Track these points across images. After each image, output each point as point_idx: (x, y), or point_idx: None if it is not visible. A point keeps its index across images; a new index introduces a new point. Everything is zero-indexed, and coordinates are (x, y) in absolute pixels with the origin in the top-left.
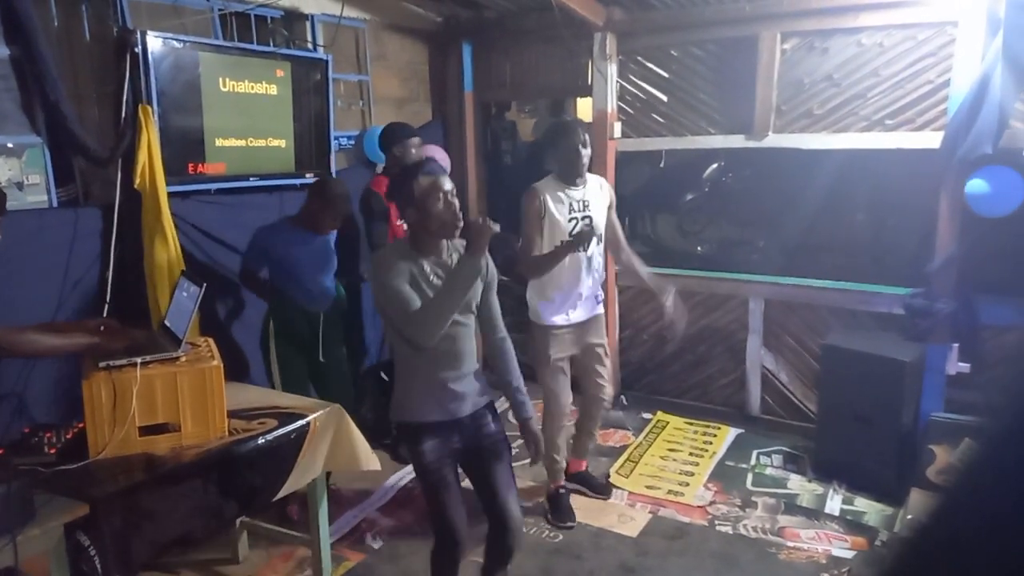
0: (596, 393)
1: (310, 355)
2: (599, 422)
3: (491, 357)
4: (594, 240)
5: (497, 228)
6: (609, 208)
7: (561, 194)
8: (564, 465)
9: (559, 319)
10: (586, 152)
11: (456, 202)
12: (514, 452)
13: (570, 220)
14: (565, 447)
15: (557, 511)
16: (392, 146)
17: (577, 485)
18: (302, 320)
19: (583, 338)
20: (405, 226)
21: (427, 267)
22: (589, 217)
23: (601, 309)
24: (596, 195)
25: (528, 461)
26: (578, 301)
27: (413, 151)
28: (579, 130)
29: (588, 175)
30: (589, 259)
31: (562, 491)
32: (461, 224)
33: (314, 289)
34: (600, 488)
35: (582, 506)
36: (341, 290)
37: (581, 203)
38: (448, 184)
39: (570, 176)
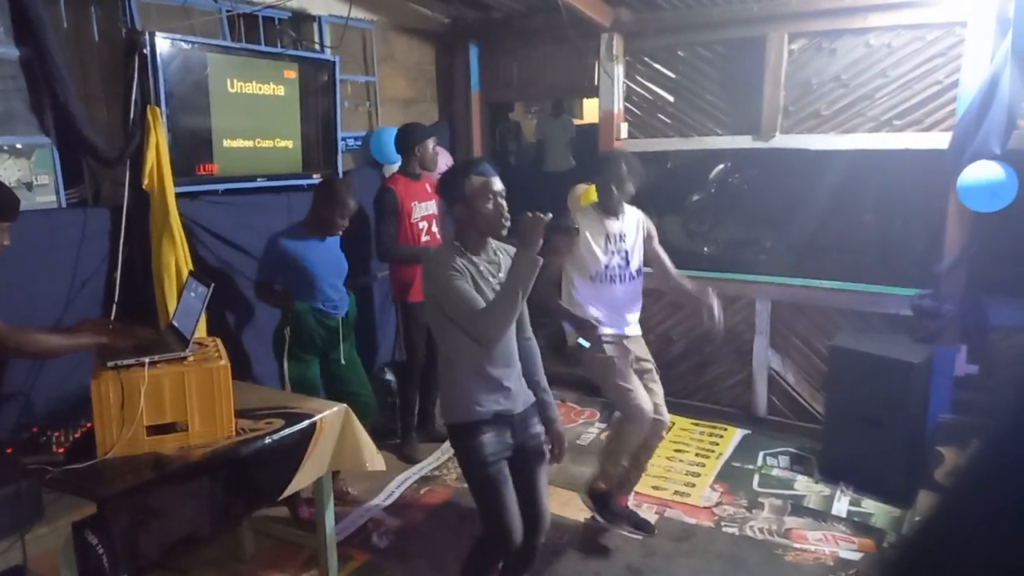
0: (655, 415)
1: (326, 362)
2: (652, 452)
3: (520, 356)
4: (631, 273)
5: (549, 217)
6: (648, 240)
7: (599, 225)
8: (622, 471)
9: (606, 330)
10: (628, 190)
11: (505, 203)
12: None
13: (607, 253)
14: (630, 457)
15: (607, 511)
16: (414, 146)
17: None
18: (320, 328)
19: (632, 352)
20: (419, 224)
21: (481, 266)
22: (626, 251)
23: (639, 329)
24: (634, 227)
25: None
26: (614, 320)
27: (431, 151)
28: (622, 163)
29: (628, 208)
30: (620, 293)
31: (611, 491)
32: (508, 225)
33: (334, 295)
34: (642, 524)
35: (584, 506)
36: (351, 293)
37: (619, 236)
38: (499, 185)
39: (613, 208)
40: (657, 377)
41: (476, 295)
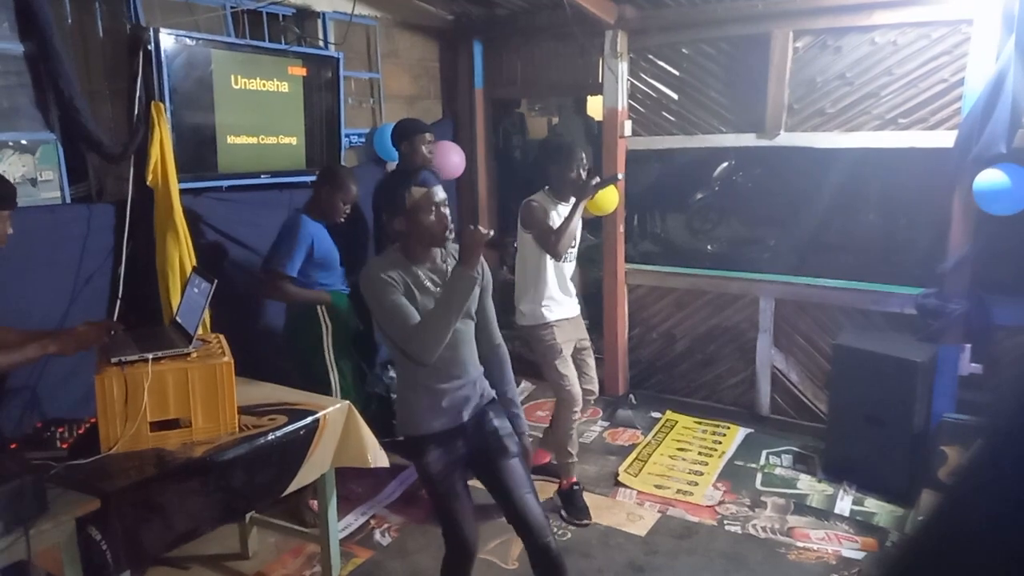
0: (585, 386)
1: (353, 335)
2: (579, 419)
3: (486, 365)
4: (574, 255)
5: (491, 234)
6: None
7: (554, 210)
8: (576, 461)
9: (557, 314)
10: (584, 175)
11: (447, 212)
12: None
13: None
14: (577, 442)
15: (572, 508)
16: (400, 142)
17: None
18: (344, 305)
19: (574, 333)
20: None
21: (421, 274)
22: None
23: (579, 310)
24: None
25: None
26: (567, 298)
27: (423, 147)
28: (582, 156)
29: None
30: (568, 271)
31: (576, 487)
32: (452, 235)
33: (339, 273)
34: (553, 472)
35: (590, 504)
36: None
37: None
38: (441, 195)
39: (565, 195)
40: (591, 357)
41: (410, 310)
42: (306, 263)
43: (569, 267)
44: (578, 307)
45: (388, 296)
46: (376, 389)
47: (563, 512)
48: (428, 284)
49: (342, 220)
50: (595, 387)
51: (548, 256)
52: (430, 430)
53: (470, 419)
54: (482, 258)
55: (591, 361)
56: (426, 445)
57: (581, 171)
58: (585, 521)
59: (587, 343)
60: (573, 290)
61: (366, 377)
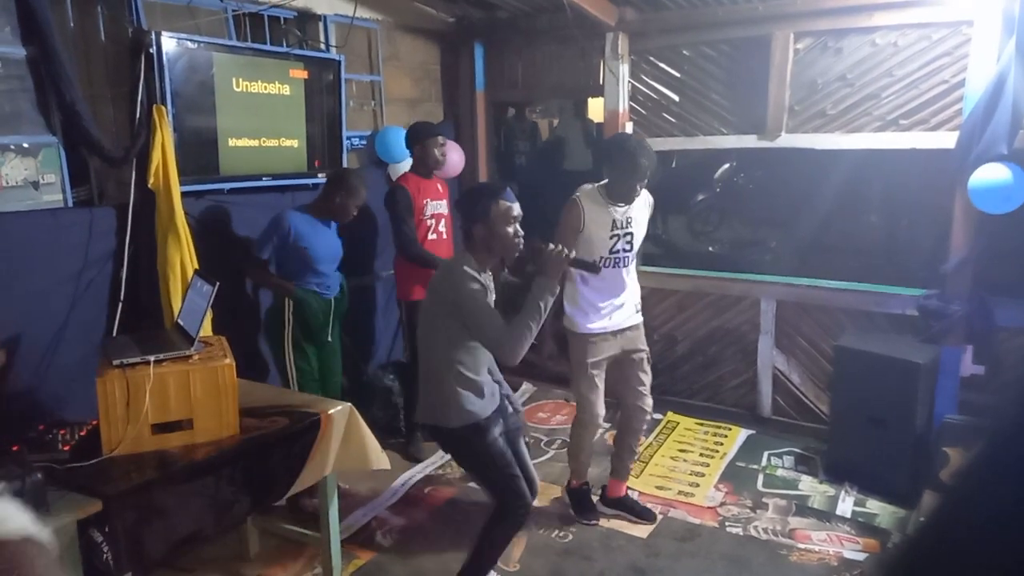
0: (635, 402)
1: (319, 343)
2: (640, 436)
3: None
4: (631, 256)
5: (573, 255)
6: (649, 220)
7: (605, 210)
8: (588, 464)
9: (594, 326)
10: (646, 180)
11: (521, 230)
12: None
13: (611, 237)
14: (592, 452)
15: (582, 507)
16: (414, 145)
17: (617, 511)
18: (319, 308)
19: (621, 345)
20: (428, 221)
21: (488, 282)
22: (631, 234)
23: (641, 317)
24: (641, 210)
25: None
26: (614, 309)
27: (436, 150)
28: (645, 157)
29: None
30: (623, 276)
31: (585, 487)
32: (521, 249)
33: (330, 277)
34: (644, 513)
35: (636, 522)
36: (343, 277)
37: (625, 219)
38: (519, 211)
39: (623, 196)
40: (648, 367)
41: (498, 315)
42: (286, 256)
43: (622, 273)
44: (634, 316)
45: (481, 299)
46: (377, 391)
47: (572, 510)
48: (491, 291)
49: (350, 220)
50: (646, 403)
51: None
52: (486, 414)
53: (500, 405)
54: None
55: (642, 373)
56: (487, 428)
57: (638, 186)
58: (595, 521)
59: (641, 355)
60: (630, 296)
61: (363, 378)
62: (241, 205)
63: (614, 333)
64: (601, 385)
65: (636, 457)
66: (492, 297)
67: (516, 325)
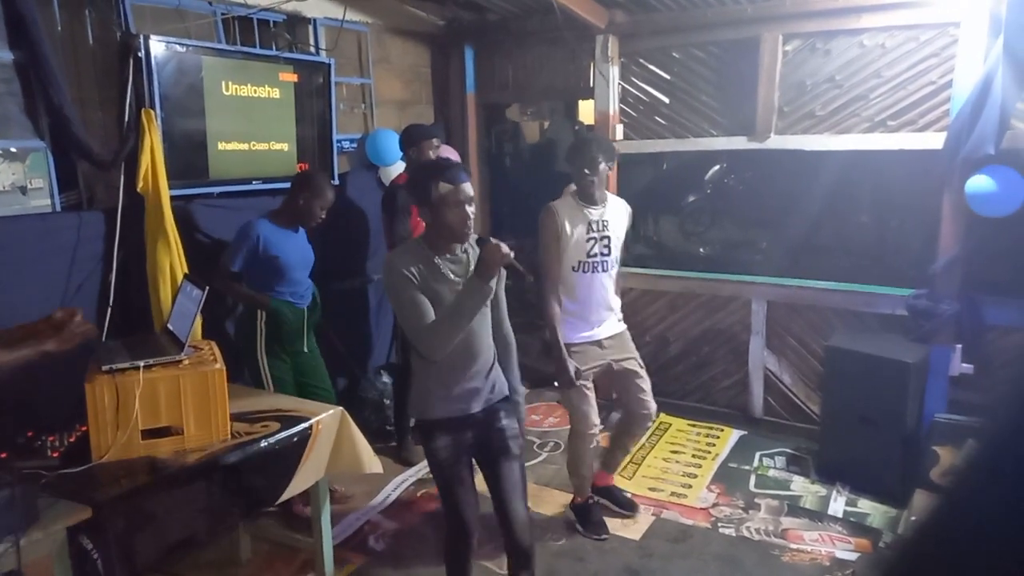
0: (638, 410)
1: (294, 352)
2: (638, 440)
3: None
4: (610, 262)
5: (511, 256)
6: (627, 232)
7: (580, 212)
8: (591, 481)
9: (578, 336)
10: (601, 170)
11: (471, 211)
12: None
13: (588, 240)
14: (593, 463)
15: (588, 523)
16: (408, 148)
17: (602, 499)
18: (293, 318)
19: (608, 355)
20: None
21: (441, 264)
22: (608, 238)
23: (624, 326)
24: (617, 216)
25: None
26: (597, 318)
27: (430, 152)
28: (593, 149)
29: (612, 197)
30: (604, 282)
31: (591, 501)
32: (470, 233)
33: (300, 285)
34: (626, 504)
35: (616, 513)
36: (314, 286)
37: (601, 223)
38: (468, 192)
39: (589, 197)
40: (644, 373)
41: (426, 308)
42: (257, 266)
43: (603, 279)
44: (618, 325)
45: (405, 291)
46: (370, 395)
47: (579, 527)
48: (448, 274)
49: (316, 224)
50: (648, 408)
51: (566, 266)
52: (440, 415)
53: (481, 411)
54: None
55: (640, 380)
56: (436, 431)
57: (588, 173)
58: (604, 536)
59: (632, 362)
60: (612, 305)
61: (359, 383)
62: (231, 209)
63: (599, 343)
64: (591, 394)
65: (627, 455)
66: (454, 280)
67: (437, 321)
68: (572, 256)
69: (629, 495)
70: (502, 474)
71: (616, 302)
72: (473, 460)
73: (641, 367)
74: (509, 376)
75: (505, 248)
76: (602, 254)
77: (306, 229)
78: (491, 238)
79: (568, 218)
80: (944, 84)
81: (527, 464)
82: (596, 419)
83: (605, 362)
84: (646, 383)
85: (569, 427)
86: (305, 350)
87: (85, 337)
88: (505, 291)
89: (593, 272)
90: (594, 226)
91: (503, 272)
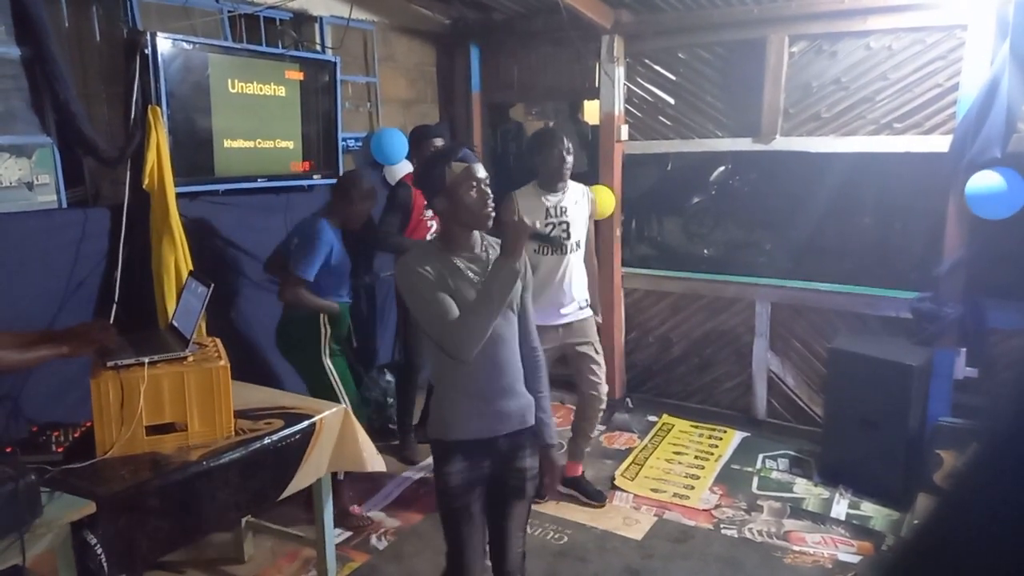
0: (590, 391)
1: (346, 349)
2: (595, 423)
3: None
4: (570, 245)
5: (536, 225)
6: (590, 217)
7: (538, 201)
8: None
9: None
10: (569, 160)
11: (490, 192)
12: None
13: (546, 224)
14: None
15: (587, 491)
16: (414, 149)
17: (570, 490)
18: (344, 318)
19: (565, 338)
20: (428, 222)
21: (460, 264)
22: (566, 223)
23: (588, 313)
24: (577, 202)
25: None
26: (554, 301)
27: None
28: (563, 138)
29: (572, 183)
30: (563, 265)
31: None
32: (493, 215)
33: (346, 286)
34: (594, 495)
35: (586, 508)
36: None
37: (558, 208)
38: (482, 172)
39: (551, 183)
40: (600, 359)
41: (449, 305)
42: (321, 270)
43: (562, 261)
44: (580, 312)
45: (424, 289)
46: (373, 394)
47: (581, 496)
48: (468, 274)
49: (360, 226)
50: (599, 390)
51: (528, 248)
52: (460, 436)
53: (506, 438)
54: (525, 254)
55: (593, 364)
56: (452, 454)
57: (564, 154)
58: (604, 501)
59: (587, 347)
60: (574, 290)
61: (363, 381)
62: (236, 206)
63: (556, 327)
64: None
65: (589, 443)
66: (474, 280)
67: (463, 313)
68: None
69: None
70: (509, 512)
71: (580, 289)
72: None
73: (598, 353)
74: (540, 395)
75: (526, 219)
76: (561, 238)
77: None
78: (515, 215)
79: (526, 205)
80: (951, 87)
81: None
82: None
83: (558, 345)
84: (600, 369)
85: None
86: (355, 344)
87: (103, 343)
88: None
89: (553, 254)
90: (551, 211)
91: (529, 271)
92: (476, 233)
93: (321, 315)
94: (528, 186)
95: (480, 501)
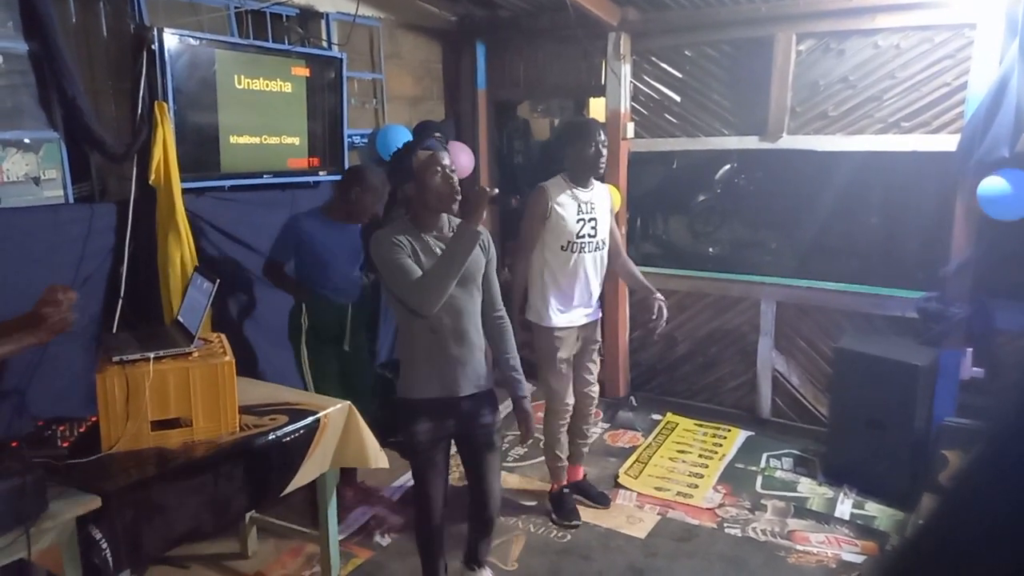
0: (583, 389)
1: (338, 348)
2: (590, 420)
3: (488, 335)
4: (597, 243)
5: (495, 192)
6: (611, 214)
7: (570, 194)
8: (566, 464)
9: (561, 321)
10: (604, 153)
11: (454, 177)
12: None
13: (578, 221)
14: (567, 446)
15: (561, 511)
16: (415, 146)
17: (575, 494)
18: (332, 313)
19: (582, 338)
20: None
21: (430, 240)
22: (595, 220)
23: (600, 313)
24: (603, 200)
25: (520, 447)
26: (580, 305)
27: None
28: (600, 130)
29: (597, 182)
30: (589, 264)
31: (565, 491)
32: (459, 198)
33: (344, 281)
34: (598, 498)
35: (589, 507)
36: (367, 279)
37: (589, 205)
38: (446, 159)
39: (584, 177)
40: (597, 358)
41: (413, 267)
42: (303, 261)
43: (588, 260)
44: (596, 313)
45: (394, 255)
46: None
47: (553, 516)
48: (436, 251)
49: (369, 218)
50: (592, 390)
51: (555, 245)
52: (424, 395)
53: (467, 399)
54: (486, 231)
55: (591, 363)
56: (418, 414)
57: (600, 147)
58: (575, 522)
59: (593, 345)
60: (595, 292)
61: (363, 383)
62: (242, 202)
63: (579, 329)
64: (570, 374)
65: (587, 443)
66: (439, 251)
67: (427, 271)
68: (562, 236)
69: (602, 490)
70: (483, 462)
71: (599, 289)
72: (452, 443)
73: (600, 353)
74: (509, 355)
75: (487, 187)
76: (589, 236)
77: (360, 224)
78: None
79: (558, 198)
80: (959, 86)
81: (523, 463)
82: (571, 399)
83: (578, 345)
84: (595, 367)
85: (545, 410)
86: (346, 348)
87: (63, 329)
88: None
89: (581, 252)
90: (583, 207)
91: (492, 248)
92: (444, 216)
93: (302, 308)
94: (557, 178)
95: (444, 452)
